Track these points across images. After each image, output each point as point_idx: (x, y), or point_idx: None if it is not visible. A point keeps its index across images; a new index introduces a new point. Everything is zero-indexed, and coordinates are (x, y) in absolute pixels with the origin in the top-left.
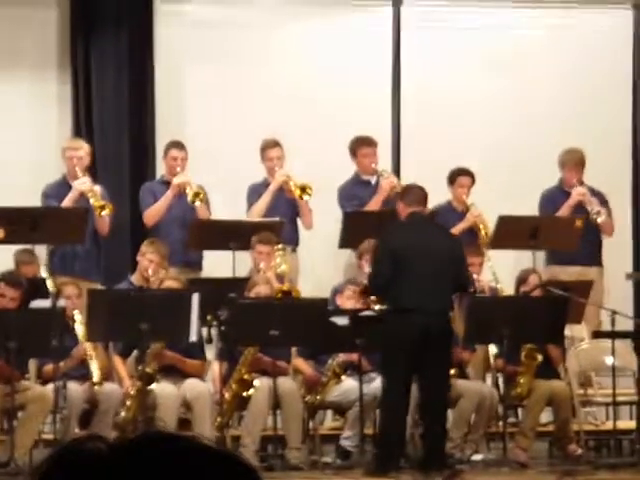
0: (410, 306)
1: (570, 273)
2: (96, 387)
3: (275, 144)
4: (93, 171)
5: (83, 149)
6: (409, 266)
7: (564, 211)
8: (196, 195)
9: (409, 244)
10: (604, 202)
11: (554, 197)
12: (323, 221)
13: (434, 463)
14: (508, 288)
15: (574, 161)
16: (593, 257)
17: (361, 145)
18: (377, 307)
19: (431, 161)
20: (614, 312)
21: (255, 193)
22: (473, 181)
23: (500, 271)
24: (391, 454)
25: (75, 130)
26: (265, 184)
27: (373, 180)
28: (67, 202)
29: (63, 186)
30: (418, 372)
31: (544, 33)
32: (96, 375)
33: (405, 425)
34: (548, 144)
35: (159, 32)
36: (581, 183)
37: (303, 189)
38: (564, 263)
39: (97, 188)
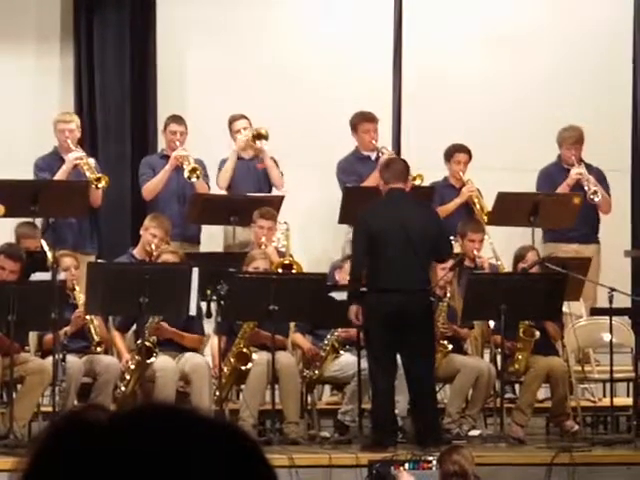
0: (387, 285)
1: (567, 250)
2: (98, 349)
3: (241, 116)
4: (94, 144)
5: (74, 122)
6: (385, 245)
7: (562, 190)
8: (192, 171)
9: (385, 223)
10: (602, 179)
11: (552, 174)
12: (324, 197)
13: (429, 438)
14: (506, 265)
15: (573, 139)
16: (590, 235)
17: (362, 121)
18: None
19: (432, 139)
20: (612, 289)
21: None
22: (470, 157)
23: (497, 248)
24: (385, 430)
25: (77, 102)
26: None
27: (373, 156)
28: (61, 175)
29: (55, 159)
30: (400, 350)
31: (545, 12)
32: (95, 336)
33: (393, 401)
34: (549, 123)
35: (161, 6)
36: (580, 161)
37: (259, 134)
38: (561, 240)
39: (91, 161)
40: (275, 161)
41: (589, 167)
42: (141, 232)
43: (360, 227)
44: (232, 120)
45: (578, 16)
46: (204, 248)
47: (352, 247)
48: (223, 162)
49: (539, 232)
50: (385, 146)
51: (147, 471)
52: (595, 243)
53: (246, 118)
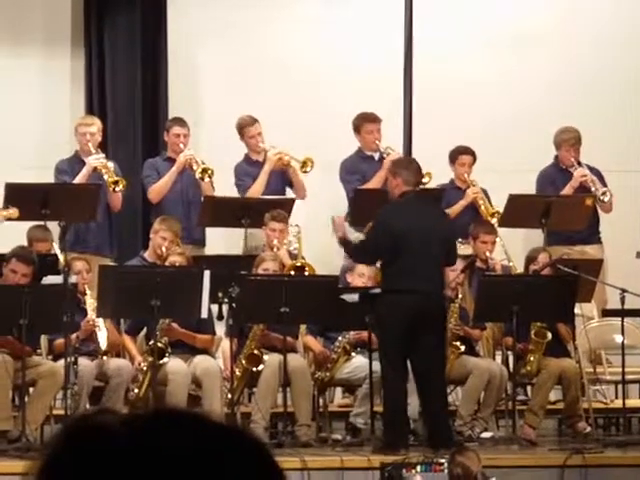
0: (404, 287)
1: (571, 252)
2: (104, 357)
3: (254, 120)
4: (105, 147)
5: (96, 125)
6: (404, 246)
7: (566, 192)
8: (204, 171)
9: (406, 224)
10: (600, 179)
11: (552, 176)
12: (329, 198)
13: (440, 440)
14: (518, 266)
15: (572, 140)
16: (592, 235)
17: (365, 121)
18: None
19: (440, 141)
20: (624, 290)
21: (242, 173)
22: (474, 159)
23: (510, 250)
24: (397, 432)
25: (88, 106)
26: (249, 162)
27: (376, 156)
28: (80, 178)
29: (76, 162)
30: (413, 352)
31: (551, 15)
32: (103, 344)
33: (405, 403)
34: (555, 125)
35: (172, 7)
36: (578, 162)
37: (305, 163)
38: (564, 242)
39: (110, 164)
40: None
41: (588, 168)
42: (151, 235)
43: (382, 227)
44: (244, 124)
45: (584, 19)
46: (218, 250)
47: (371, 239)
48: (239, 167)
49: (529, 236)
50: (390, 146)
51: (159, 475)
52: (598, 243)
53: (257, 121)
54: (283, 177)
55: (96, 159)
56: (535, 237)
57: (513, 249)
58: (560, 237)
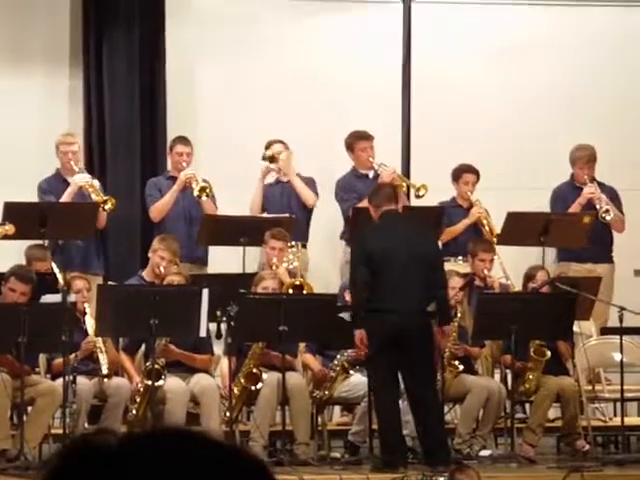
0: (384, 307)
1: (580, 270)
2: (105, 380)
3: (277, 142)
4: (104, 165)
5: (77, 143)
6: (383, 268)
7: (574, 209)
8: (202, 190)
9: (383, 246)
10: (614, 197)
11: (565, 193)
12: (325, 215)
13: (438, 458)
14: (516, 285)
15: (585, 158)
16: (603, 254)
17: (358, 140)
18: None
19: (441, 156)
20: (622, 308)
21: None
22: (477, 178)
23: (508, 268)
24: (394, 451)
25: (86, 124)
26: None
27: (371, 174)
28: (66, 197)
29: (59, 181)
30: (401, 370)
31: (552, 24)
32: (105, 368)
33: (399, 421)
34: (559, 141)
35: (170, 27)
36: (592, 180)
37: (202, 190)
38: (574, 260)
39: (96, 182)
40: (303, 178)
41: (602, 185)
42: (149, 254)
43: (359, 252)
44: (268, 145)
45: (586, 28)
46: (216, 269)
47: (353, 270)
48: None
49: (552, 251)
50: (383, 163)
51: None
52: (608, 262)
53: (282, 142)
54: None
55: (82, 178)
56: (539, 254)
57: (515, 267)
58: (570, 254)
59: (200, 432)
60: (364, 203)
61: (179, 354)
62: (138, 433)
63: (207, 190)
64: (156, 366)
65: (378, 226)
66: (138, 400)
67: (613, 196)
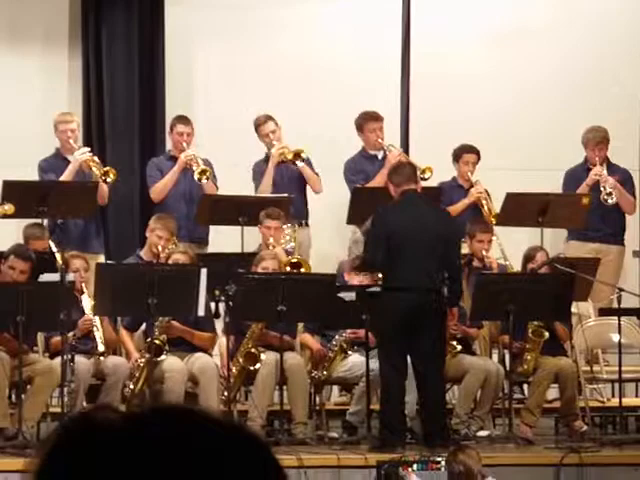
0: (402, 285)
1: (588, 250)
2: (101, 358)
3: (267, 119)
4: (103, 145)
5: (75, 121)
6: (402, 247)
7: (582, 190)
8: (202, 173)
9: (402, 226)
10: (627, 179)
11: (577, 175)
12: (332, 197)
13: (437, 438)
14: (517, 265)
15: (596, 139)
16: (614, 235)
17: (368, 120)
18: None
19: (440, 138)
20: (620, 289)
21: (259, 172)
22: (478, 158)
23: (510, 249)
24: (394, 430)
25: (85, 103)
26: (266, 160)
27: (380, 155)
28: (67, 175)
29: (58, 159)
30: (412, 350)
31: (553, 9)
32: (100, 346)
33: (403, 401)
34: (559, 122)
35: (169, 5)
36: (603, 161)
37: (297, 155)
38: (584, 239)
39: (95, 157)
40: (309, 162)
41: (615, 167)
42: (147, 234)
43: (378, 226)
44: (258, 123)
45: (586, 12)
46: (215, 249)
47: (370, 253)
48: (257, 171)
49: (555, 232)
50: (392, 144)
51: (159, 471)
52: (619, 244)
53: (272, 119)
54: (301, 177)
55: (82, 153)
56: (557, 232)
57: (515, 249)
58: (580, 234)
59: (201, 409)
60: (372, 183)
61: (181, 329)
62: (139, 411)
63: (207, 173)
64: (157, 342)
65: (398, 206)
66: (137, 375)
67: (626, 178)
